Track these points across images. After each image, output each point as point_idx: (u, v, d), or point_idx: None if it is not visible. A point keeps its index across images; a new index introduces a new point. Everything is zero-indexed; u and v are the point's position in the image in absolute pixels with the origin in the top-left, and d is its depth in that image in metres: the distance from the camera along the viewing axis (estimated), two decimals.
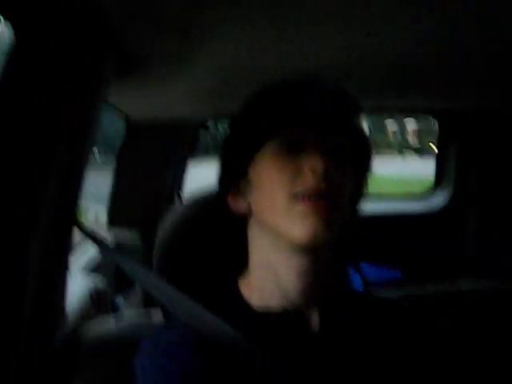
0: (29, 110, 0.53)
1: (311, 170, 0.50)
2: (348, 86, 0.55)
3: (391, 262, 1.65)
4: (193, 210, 0.66)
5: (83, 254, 1.19)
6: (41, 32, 0.53)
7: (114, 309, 1.14)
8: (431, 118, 1.82)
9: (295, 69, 0.63)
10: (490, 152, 1.61)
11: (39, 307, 0.60)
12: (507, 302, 1.10)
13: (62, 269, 0.66)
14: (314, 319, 0.54)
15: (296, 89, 0.54)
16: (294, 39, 0.64)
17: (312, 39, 0.64)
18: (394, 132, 9.55)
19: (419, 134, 9.13)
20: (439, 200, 1.78)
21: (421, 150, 8.77)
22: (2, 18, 0.55)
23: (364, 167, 0.58)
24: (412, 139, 9.59)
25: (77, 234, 0.66)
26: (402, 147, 9.60)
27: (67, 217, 0.64)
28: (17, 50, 0.53)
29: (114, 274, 1.16)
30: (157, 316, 0.64)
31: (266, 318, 0.54)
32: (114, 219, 1.54)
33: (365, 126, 0.56)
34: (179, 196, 1.59)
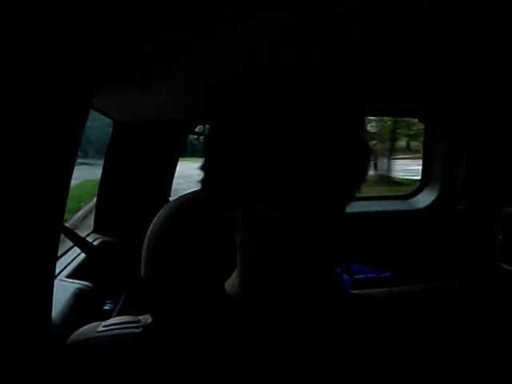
0: (12, 114, 0.52)
1: None
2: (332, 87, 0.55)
3: (380, 261, 1.66)
4: (181, 212, 0.65)
5: (70, 259, 1.18)
6: (27, 38, 0.52)
7: (102, 315, 1.12)
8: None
9: (283, 71, 0.63)
10: (477, 151, 1.63)
11: (24, 313, 0.59)
12: (494, 299, 1.11)
13: (48, 274, 0.65)
14: (302, 318, 0.54)
15: (282, 98, 0.51)
16: (281, 41, 0.64)
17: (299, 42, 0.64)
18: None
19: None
20: (426, 199, 1.80)
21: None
22: None
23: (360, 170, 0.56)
24: None
25: (63, 239, 0.65)
26: None
27: (53, 221, 0.63)
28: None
29: (101, 279, 1.14)
30: (145, 321, 0.64)
31: (252, 318, 0.53)
32: (101, 222, 1.53)
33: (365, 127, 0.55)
34: (167, 198, 1.59)
